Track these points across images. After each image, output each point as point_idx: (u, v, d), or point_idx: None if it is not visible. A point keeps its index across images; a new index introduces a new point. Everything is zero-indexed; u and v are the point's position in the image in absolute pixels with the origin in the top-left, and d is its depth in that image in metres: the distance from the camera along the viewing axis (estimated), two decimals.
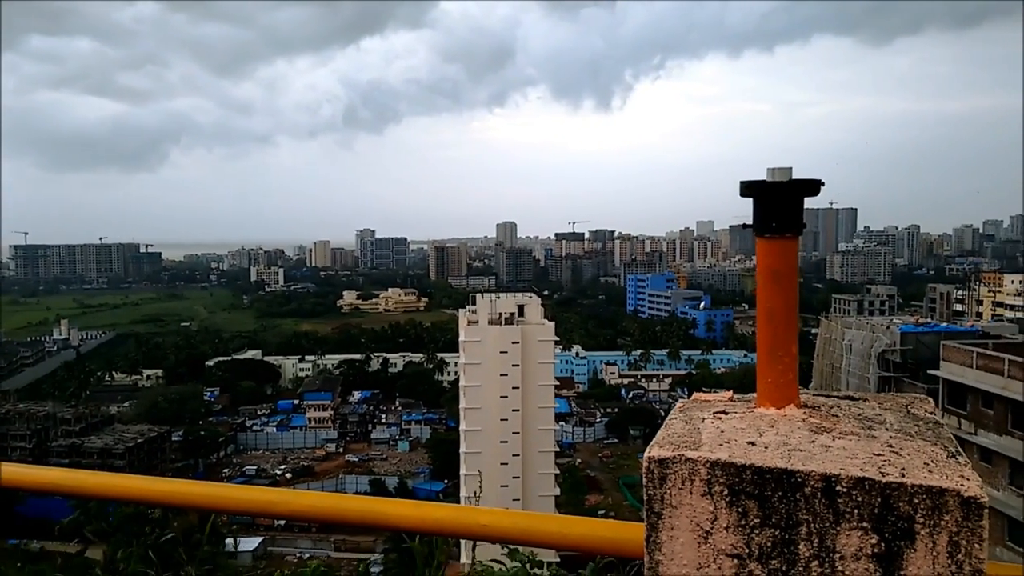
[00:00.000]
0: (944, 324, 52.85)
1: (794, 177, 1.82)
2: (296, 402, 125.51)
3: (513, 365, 69.14)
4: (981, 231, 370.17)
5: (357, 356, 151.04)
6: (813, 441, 1.62)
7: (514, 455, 68.12)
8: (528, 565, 3.40)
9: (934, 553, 1.40)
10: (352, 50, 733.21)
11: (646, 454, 1.59)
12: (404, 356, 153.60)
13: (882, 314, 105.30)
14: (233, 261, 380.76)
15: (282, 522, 74.02)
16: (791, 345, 1.81)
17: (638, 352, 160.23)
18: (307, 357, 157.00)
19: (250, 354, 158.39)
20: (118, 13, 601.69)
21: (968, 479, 1.43)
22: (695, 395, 2.09)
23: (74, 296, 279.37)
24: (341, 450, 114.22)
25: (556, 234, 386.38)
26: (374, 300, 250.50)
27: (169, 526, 13.46)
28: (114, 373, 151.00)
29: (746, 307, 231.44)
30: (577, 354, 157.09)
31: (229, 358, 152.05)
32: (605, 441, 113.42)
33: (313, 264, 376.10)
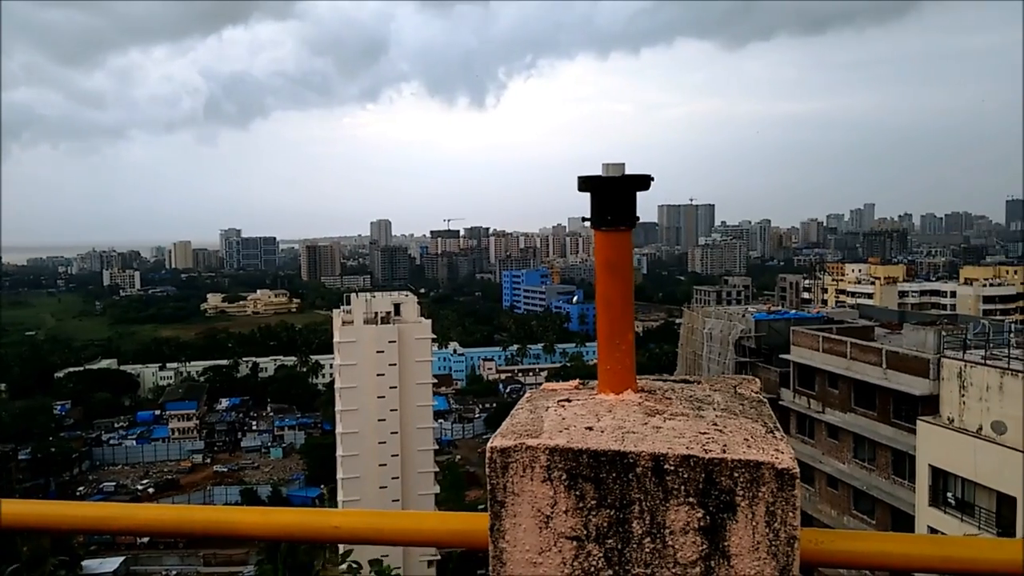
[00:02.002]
0: (793, 311, 56.74)
1: (648, 173, 1.91)
2: (157, 412, 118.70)
3: (390, 364, 68.30)
4: (825, 224, 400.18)
5: (224, 361, 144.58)
6: (646, 423, 1.69)
7: (393, 455, 67.34)
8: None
9: (753, 523, 1.50)
10: (214, 40, 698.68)
11: (489, 445, 1.62)
12: (275, 360, 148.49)
13: (738, 303, 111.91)
14: (83, 264, 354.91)
15: (145, 539, 69.73)
16: (628, 333, 1.89)
17: (515, 347, 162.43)
18: (169, 365, 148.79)
19: (104, 363, 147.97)
20: None
21: (782, 452, 1.55)
22: (544, 385, 2.15)
23: None
24: (209, 461, 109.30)
25: (432, 232, 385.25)
26: (241, 303, 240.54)
27: (19, 552, 12.37)
28: None
29: None
30: (455, 351, 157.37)
31: (81, 368, 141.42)
32: (484, 436, 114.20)
33: (173, 266, 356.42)
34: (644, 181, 1.87)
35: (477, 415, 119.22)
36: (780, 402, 44.43)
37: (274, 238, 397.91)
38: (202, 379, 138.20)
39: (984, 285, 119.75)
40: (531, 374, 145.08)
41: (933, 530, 30.84)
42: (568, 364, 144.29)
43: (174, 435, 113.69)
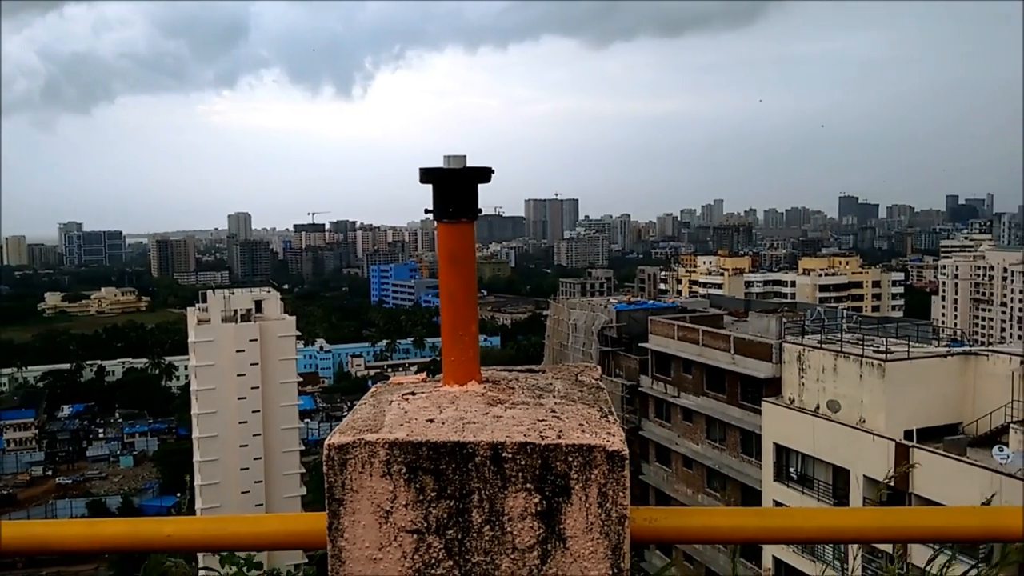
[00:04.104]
0: (651, 301, 59.41)
1: (488, 166, 1.92)
2: None
3: (251, 364, 65.76)
4: (679, 219, 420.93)
5: (65, 365, 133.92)
6: (487, 413, 1.71)
7: (256, 458, 64.93)
8: (245, 567, 3.26)
9: (587, 505, 1.56)
10: (54, 17, 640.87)
11: (326, 442, 1.59)
12: (124, 362, 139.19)
13: (602, 295, 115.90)
14: None
15: None
16: (471, 324, 1.91)
17: (384, 342, 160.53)
18: (2, 370, 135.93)
19: None
20: None
21: (614, 435, 1.61)
22: (391, 379, 2.13)
23: None
24: (50, 473, 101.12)
25: (295, 225, 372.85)
26: (84, 302, 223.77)
27: None
28: None
29: (485, 293, 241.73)
30: (321, 348, 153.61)
31: None
32: None
33: (5, 263, 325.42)
34: (485, 173, 1.89)
35: (345, 413, 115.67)
36: (640, 388, 46.42)
37: (120, 232, 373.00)
38: (41, 384, 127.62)
39: (820, 275, 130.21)
40: (401, 369, 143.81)
41: (778, 503, 33.27)
42: (438, 358, 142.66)
43: (10, 446, 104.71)
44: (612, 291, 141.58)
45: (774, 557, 33.84)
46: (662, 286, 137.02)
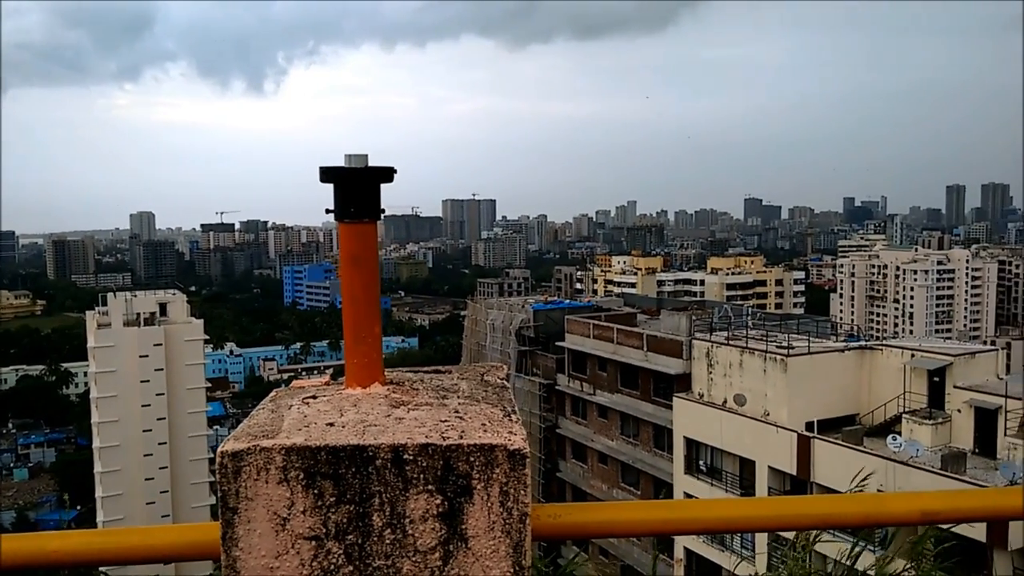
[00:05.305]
0: (568, 301, 60.14)
1: (391, 166, 1.90)
2: None
3: (156, 370, 63.29)
4: (594, 219, 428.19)
5: None
6: (389, 415, 1.70)
7: (161, 468, 62.50)
8: None
9: (489, 504, 1.56)
10: None
11: (219, 449, 1.54)
12: (17, 369, 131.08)
13: (519, 295, 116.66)
14: None
15: None
16: (374, 326, 1.89)
17: (298, 345, 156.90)
18: None
19: None
20: None
21: (515, 434, 1.62)
22: (293, 383, 2.08)
23: None
24: None
25: (203, 225, 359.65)
26: None
27: None
28: None
29: (402, 294, 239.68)
30: (231, 352, 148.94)
31: None
32: None
33: None
34: (388, 173, 1.87)
35: None
36: (557, 387, 46.96)
37: (12, 232, 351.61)
38: None
39: (727, 274, 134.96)
40: (316, 372, 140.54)
41: (688, 495, 34.26)
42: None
43: None
44: (529, 291, 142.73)
45: (685, 548, 34.86)
46: (578, 286, 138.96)
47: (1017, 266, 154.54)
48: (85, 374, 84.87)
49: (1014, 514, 2.00)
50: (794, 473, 30.83)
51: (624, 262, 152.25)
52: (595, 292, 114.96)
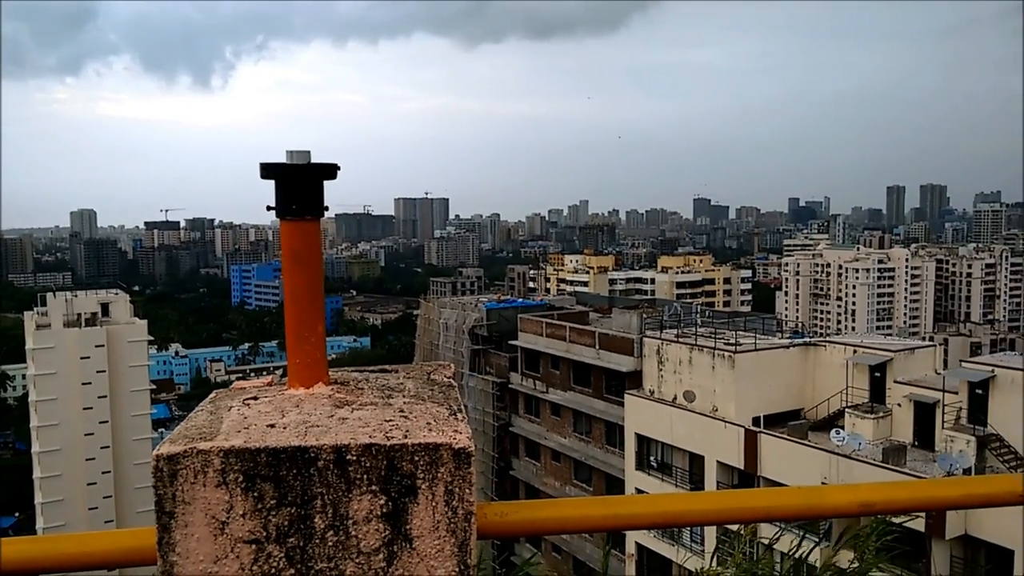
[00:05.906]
0: (521, 299, 60.31)
1: (334, 163, 1.86)
2: None
3: (98, 372, 61.53)
4: (547, 219, 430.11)
5: None
6: (332, 416, 1.67)
7: (104, 472, 60.80)
8: None
9: (434, 503, 1.55)
10: None
11: (154, 452, 1.50)
12: None
13: (472, 294, 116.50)
14: None
15: None
16: (317, 325, 1.86)
17: (246, 345, 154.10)
18: None
19: None
20: None
21: (460, 432, 1.61)
22: (235, 383, 2.04)
23: None
24: None
25: (147, 223, 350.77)
26: None
27: None
28: None
29: (354, 293, 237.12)
30: (177, 353, 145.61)
31: None
32: None
33: None
34: (331, 170, 1.84)
35: None
36: (510, 385, 47.03)
37: None
38: None
39: (677, 273, 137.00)
40: (265, 373, 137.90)
41: (640, 491, 34.67)
42: None
43: None
44: (482, 290, 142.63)
45: (637, 543, 35.28)
46: (531, 284, 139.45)
47: (954, 264, 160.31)
48: (23, 376, 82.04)
49: (950, 504, 2.07)
50: (742, 467, 31.45)
51: (576, 261, 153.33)
52: (548, 291, 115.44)
